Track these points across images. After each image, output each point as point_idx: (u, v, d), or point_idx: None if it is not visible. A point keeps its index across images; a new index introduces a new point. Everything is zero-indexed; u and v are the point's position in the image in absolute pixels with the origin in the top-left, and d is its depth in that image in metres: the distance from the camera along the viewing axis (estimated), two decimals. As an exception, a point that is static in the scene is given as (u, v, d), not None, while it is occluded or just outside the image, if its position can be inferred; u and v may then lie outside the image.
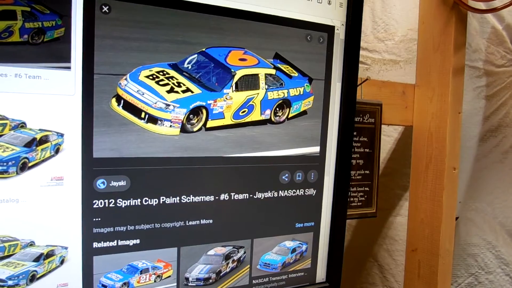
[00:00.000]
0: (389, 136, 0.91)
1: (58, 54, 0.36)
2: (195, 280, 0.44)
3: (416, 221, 0.80)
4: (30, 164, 0.36)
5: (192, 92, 0.42)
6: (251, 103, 0.44)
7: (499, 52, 0.87)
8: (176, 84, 0.41)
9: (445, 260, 0.77)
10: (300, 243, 0.50)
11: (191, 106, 0.41)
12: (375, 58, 0.93)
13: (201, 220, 0.44)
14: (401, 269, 0.86)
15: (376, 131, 0.76)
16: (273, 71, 0.45)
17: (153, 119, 0.40)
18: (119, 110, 0.39)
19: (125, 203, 0.40)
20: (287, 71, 0.46)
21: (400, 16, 0.89)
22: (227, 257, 0.46)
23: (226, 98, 0.43)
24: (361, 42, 0.96)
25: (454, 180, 0.76)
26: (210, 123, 0.43)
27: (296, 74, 0.46)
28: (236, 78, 0.43)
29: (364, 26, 0.97)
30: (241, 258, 0.47)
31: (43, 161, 0.37)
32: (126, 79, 0.39)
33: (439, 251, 0.76)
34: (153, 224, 0.42)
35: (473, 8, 0.74)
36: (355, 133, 0.73)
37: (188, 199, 0.43)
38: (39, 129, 0.36)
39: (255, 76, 0.44)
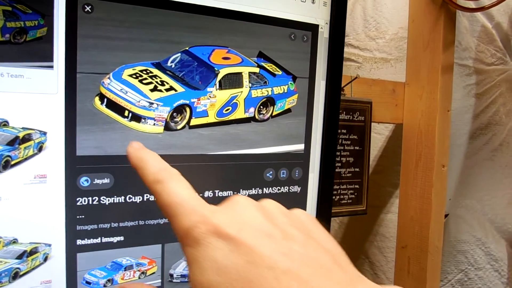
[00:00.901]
0: (380, 134, 0.91)
1: (40, 53, 0.37)
2: (179, 276, 0.45)
3: (406, 218, 0.81)
4: (13, 162, 0.36)
5: (175, 90, 0.42)
6: (234, 101, 0.45)
7: (489, 51, 0.88)
8: (160, 83, 0.42)
9: (434, 256, 0.78)
10: (285, 240, 0.50)
11: (175, 105, 0.42)
12: (367, 56, 0.94)
13: (185, 217, 0.44)
14: (392, 266, 0.87)
15: (366, 129, 0.77)
16: (256, 70, 0.46)
17: (136, 117, 0.41)
18: (103, 108, 0.40)
19: (109, 200, 0.41)
20: (271, 70, 0.46)
21: (391, 14, 0.90)
22: (211, 253, 0.46)
23: (210, 97, 0.43)
24: (352, 41, 0.96)
25: (443, 177, 0.77)
26: (194, 121, 0.43)
27: (280, 72, 0.47)
28: (219, 77, 0.44)
29: (355, 25, 0.98)
30: (226, 255, 0.47)
31: (26, 159, 0.37)
32: (109, 78, 0.40)
33: (428, 248, 0.77)
34: (137, 221, 0.42)
35: (462, 6, 0.74)
36: (345, 131, 0.74)
37: (172, 197, 0.43)
38: (22, 128, 0.36)
39: (239, 74, 0.45)
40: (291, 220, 0.20)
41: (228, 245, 0.17)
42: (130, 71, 0.40)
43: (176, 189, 0.20)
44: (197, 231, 0.18)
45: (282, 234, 0.18)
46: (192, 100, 0.43)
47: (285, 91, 0.47)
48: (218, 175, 0.45)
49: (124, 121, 0.41)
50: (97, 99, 0.39)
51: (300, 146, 0.49)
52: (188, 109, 0.43)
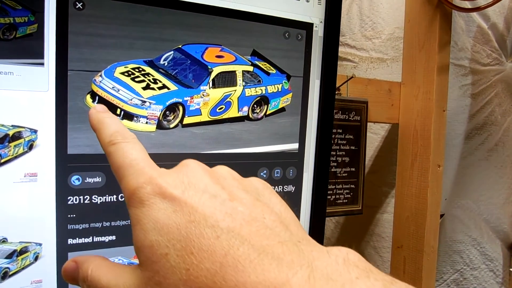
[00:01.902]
0: (376, 134, 0.91)
1: (31, 50, 0.36)
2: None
3: (401, 218, 0.81)
4: (2, 161, 0.36)
5: (168, 88, 0.42)
6: (228, 100, 0.45)
7: (484, 51, 0.88)
8: (152, 81, 0.41)
9: (430, 256, 0.78)
10: (279, 240, 0.50)
11: (168, 103, 0.42)
12: (363, 56, 0.94)
13: (178, 217, 0.44)
14: (388, 266, 0.87)
15: (362, 128, 0.77)
16: (250, 68, 0.45)
17: (129, 116, 0.40)
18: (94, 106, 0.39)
19: (100, 199, 0.40)
20: (265, 68, 0.46)
21: (387, 14, 0.90)
22: (204, 253, 0.46)
23: (203, 95, 0.43)
24: (349, 40, 0.96)
25: (438, 177, 0.77)
26: (187, 120, 0.43)
27: (274, 71, 0.47)
28: (213, 75, 0.43)
29: (352, 25, 0.98)
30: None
31: (16, 157, 0.36)
32: (101, 75, 0.39)
33: (423, 248, 0.77)
34: (129, 220, 0.42)
35: (458, 6, 0.74)
36: (340, 131, 0.74)
37: (165, 196, 0.43)
38: (12, 125, 0.36)
39: (232, 73, 0.44)
40: (241, 185, 0.20)
41: (172, 206, 0.17)
42: (122, 69, 0.40)
43: (128, 151, 0.20)
44: (142, 192, 0.18)
45: (229, 196, 0.18)
46: (185, 99, 0.42)
47: (279, 90, 0.47)
48: (211, 174, 0.45)
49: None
50: (88, 97, 0.39)
51: (294, 146, 0.49)
52: (181, 108, 0.42)
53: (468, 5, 0.76)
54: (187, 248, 0.16)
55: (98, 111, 0.22)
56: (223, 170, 0.21)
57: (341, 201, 0.75)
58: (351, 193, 0.76)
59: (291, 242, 0.16)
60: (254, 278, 0.15)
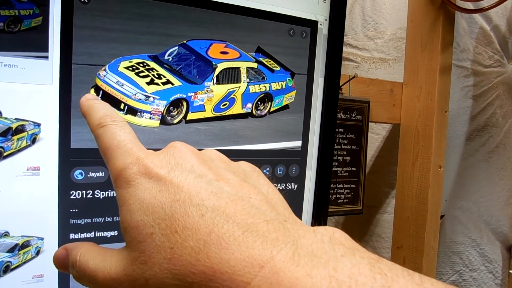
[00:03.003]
0: (377, 134, 0.91)
1: (35, 43, 0.36)
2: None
3: (402, 219, 0.81)
4: (5, 154, 0.36)
5: (172, 84, 0.42)
6: (232, 96, 0.44)
7: (486, 53, 0.88)
8: (156, 76, 0.41)
9: (430, 257, 0.78)
10: (281, 237, 0.50)
11: (171, 98, 0.41)
12: (365, 56, 0.94)
13: (181, 213, 0.44)
14: (387, 266, 0.87)
15: (363, 128, 0.77)
16: (255, 65, 0.45)
17: (132, 111, 0.40)
18: (98, 101, 0.39)
19: (103, 194, 0.40)
20: (269, 65, 0.46)
21: (389, 14, 0.90)
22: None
23: (207, 91, 0.43)
24: (351, 40, 0.96)
25: (439, 178, 0.77)
26: (191, 116, 0.43)
27: (278, 68, 0.47)
28: (217, 71, 0.43)
29: (354, 24, 0.98)
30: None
31: (19, 150, 0.36)
32: (105, 70, 0.39)
33: (423, 248, 0.77)
34: (131, 216, 0.42)
35: (461, 7, 0.74)
36: (342, 130, 0.74)
37: (168, 192, 0.43)
38: (15, 119, 0.36)
39: (237, 69, 0.44)
40: (229, 166, 0.20)
41: (157, 185, 0.17)
42: (126, 63, 0.40)
43: (116, 132, 0.20)
44: (129, 172, 0.18)
45: (215, 176, 0.18)
46: (189, 94, 0.42)
47: (283, 87, 0.47)
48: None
49: (120, 114, 0.40)
50: (92, 91, 0.39)
51: (298, 143, 0.49)
52: (185, 103, 0.42)
53: (471, 6, 0.76)
54: (171, 227, 0.16)
55: (88, 98, 0.22)
56: (211, 153, 0.21)
57: (342, 200, 0.75)
58: (352, 193, 0.76)
59: (277, 220, 0.16)
60: (238, 255, 0.15)
